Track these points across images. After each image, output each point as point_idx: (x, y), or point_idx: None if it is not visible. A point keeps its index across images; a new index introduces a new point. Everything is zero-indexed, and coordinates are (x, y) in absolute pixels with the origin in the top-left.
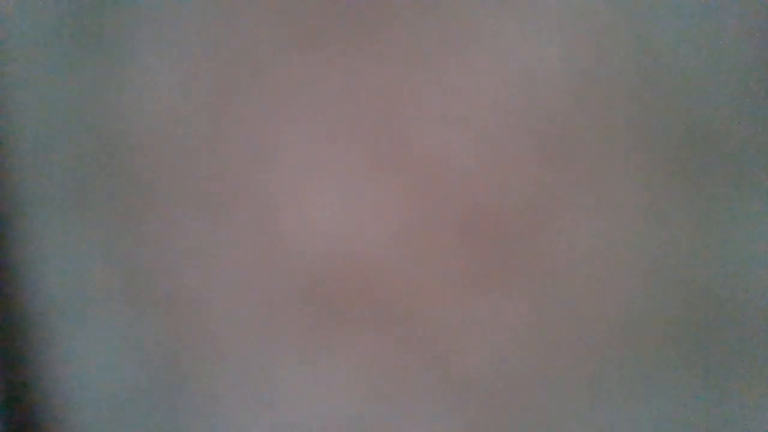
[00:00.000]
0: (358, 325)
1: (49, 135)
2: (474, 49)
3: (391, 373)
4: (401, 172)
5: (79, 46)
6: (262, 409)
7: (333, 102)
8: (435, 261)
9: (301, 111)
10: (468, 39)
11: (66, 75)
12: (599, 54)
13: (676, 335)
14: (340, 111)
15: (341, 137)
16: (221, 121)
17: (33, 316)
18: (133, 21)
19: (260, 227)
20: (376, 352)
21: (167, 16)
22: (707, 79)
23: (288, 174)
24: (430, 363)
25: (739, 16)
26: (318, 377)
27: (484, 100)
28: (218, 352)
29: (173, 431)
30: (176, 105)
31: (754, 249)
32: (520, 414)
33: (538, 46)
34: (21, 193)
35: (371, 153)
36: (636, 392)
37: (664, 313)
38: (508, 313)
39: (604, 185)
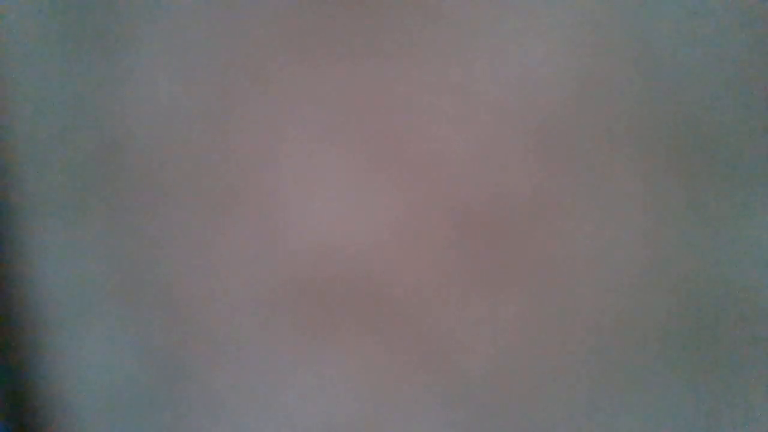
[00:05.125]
0: (358, 324)
1: (49, 135)
2: (474, 49)
3: (391, 373)
4: (400, 172)
5: (79, 46)
6: (262, 409)
7: (332, 102)
8: (434, 261)
9: (301, 111)
10: (468, 39)
11: (66, 75)
12: (599, 54)
13: (676, 335)
14: (340, 111)
15: (341, 137)
16: (221, 122)
17: (33, 316)
18: (133, 21)
19: (260, 227)
20: (376, 352)
21: (168, 17)
22: (707, 79)
23: (288, 174)
24: (429, 362)
25: (739, 15)
26: (318, 377)
27: (483, 100)
28: (218, 352)
29: (173, 430)
30: (176, 105)
31: (755, 248)
32: (520, 414)
33: (538, 46)
34: (21, 193)
35: (371, 153)
36: (635, 392)
37: (664, 313)
38: (507, 313)
39: (603, 185)
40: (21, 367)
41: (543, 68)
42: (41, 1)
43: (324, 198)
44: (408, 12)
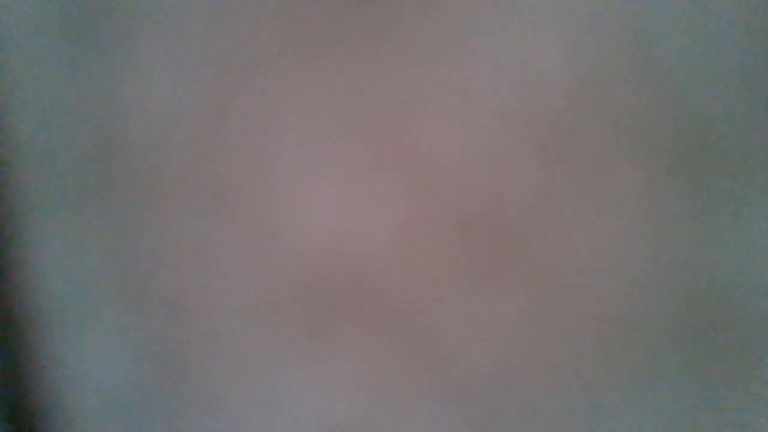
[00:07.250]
0: (358, 324)
1: (49, 135)
2: (474, 49)
3: (391, 373)
4: (401, 172)
5: (79, 46)
6: (262, 409)
7: (333, 102)
8: (435, 260)
9: (302, 111)
10: (468, 39)
11: (66, 75)
12: (599, 54)
13: (676, 335)
14: (340, 111)
15: (341, 137)
16: (222, 122)
17: (34, 316)
18: (133, 21)
19: (260, 227)
20: (377, 352)
21: (167, 16)
22: (707, 79)
23: (288, 174)
24: (430, 363)
25: (739, 15)
26: (318, 377)
27: (484, 100)
28: (218, 352)
29: (173, 430)
30: (176, 105)
31: (754, 249)
32: (520, 414)
33: (538, 46)
34: (22, 194)
35: (371, 153)
36: (635, 392)
37: (664, 313)
38: (507, 313)
39: (603, 185)
40: (20, 367)
41: (544, 69)
42: (41, 1)
43: (324, 198)
44: (408, 12)
